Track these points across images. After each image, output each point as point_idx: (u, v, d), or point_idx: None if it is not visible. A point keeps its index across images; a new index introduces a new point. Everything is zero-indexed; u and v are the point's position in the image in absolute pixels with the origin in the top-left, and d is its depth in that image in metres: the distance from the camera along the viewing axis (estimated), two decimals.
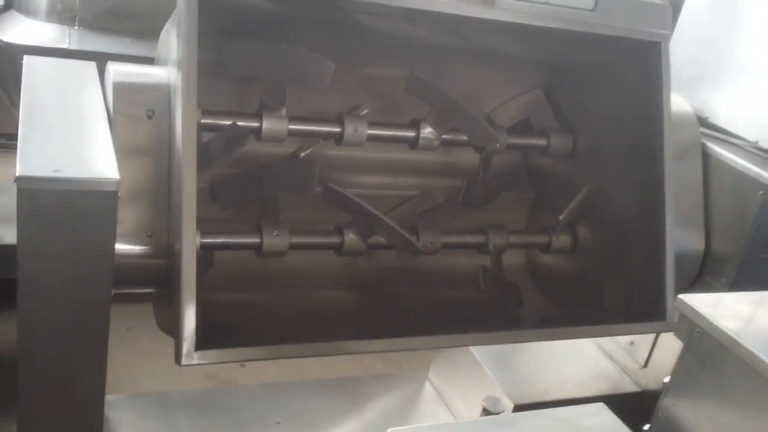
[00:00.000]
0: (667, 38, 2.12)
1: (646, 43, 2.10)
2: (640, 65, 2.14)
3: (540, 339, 2.20)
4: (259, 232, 1.95)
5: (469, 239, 2.29)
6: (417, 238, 2.14)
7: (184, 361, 1.61)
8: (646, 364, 3.08)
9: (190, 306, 1.60)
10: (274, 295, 2.17)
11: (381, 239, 2.10)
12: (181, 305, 1.60)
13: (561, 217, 2.31)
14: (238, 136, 1.88)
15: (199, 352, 1.62)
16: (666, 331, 2.19)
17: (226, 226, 2.00)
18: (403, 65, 2.12)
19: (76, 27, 2.74)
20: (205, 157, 1.73)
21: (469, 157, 2.31)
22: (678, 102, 2.62)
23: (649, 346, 3.02)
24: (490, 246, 2.28)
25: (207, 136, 1.88)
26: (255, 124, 1.91)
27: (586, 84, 2.33)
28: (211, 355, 1.64)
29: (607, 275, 2.33)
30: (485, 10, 1.92)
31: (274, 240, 1.95)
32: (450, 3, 1.85)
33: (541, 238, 2.36)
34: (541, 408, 1.73)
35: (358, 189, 2.22)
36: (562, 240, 2.37)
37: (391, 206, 2.21)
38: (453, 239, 2.25)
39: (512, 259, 2.44)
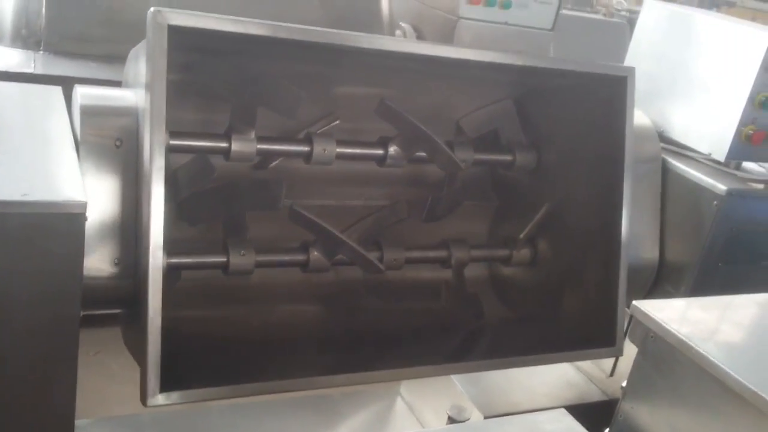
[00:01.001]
0: (632, 72, 2.18)
1: (612, 77, 2.17)
2: (606, 91, 2.21)
3: (494, 368, 2.28)
4: (225, 251, 1.98)
5: (432, 254, 2.34)
6: (381, 255, 2.19)
7: (149, 402, 1.65)
8: (612, 373, 3.14)
9: (155, 347, 1.63)
10: (240, 308, 2.19)
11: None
12: (146, 349, 1.63)
13: (521, 236, 2.38)
14: (206, 169, 1.92)
15: (164, 394, 1.65)
16: (616, 356, 2.31)
17: (193, 245, 2.02)
18: (375, 83, 2.17)
19: (41, 51, 2.75)
20: (173, 187, 1.74)
21: (436, 168, 2.35)
22: (639, 117, 2.70)
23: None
24: (453, 261, 2.33)
25: (174, 157, 1.91)
26: (224, 145, 1.93)
27: (554, 100, 2.39)
28: (177, 396, 1.68)
29: (563, 288, 2.40)
30: (447, 49, 2.00)
31: (241, 260, 1.98)
32: (415, 44, 1.91)
33: (502, 252, 2.42)
34: None
35: (325, 200, 2.26)
36: (522, 254, 2.43)
37: (358, 217, 2.24)
38: (416, 254, 2.30)
39: (474, 269, 2.48)
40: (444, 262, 2.35)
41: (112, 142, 1.78)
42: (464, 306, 2.39)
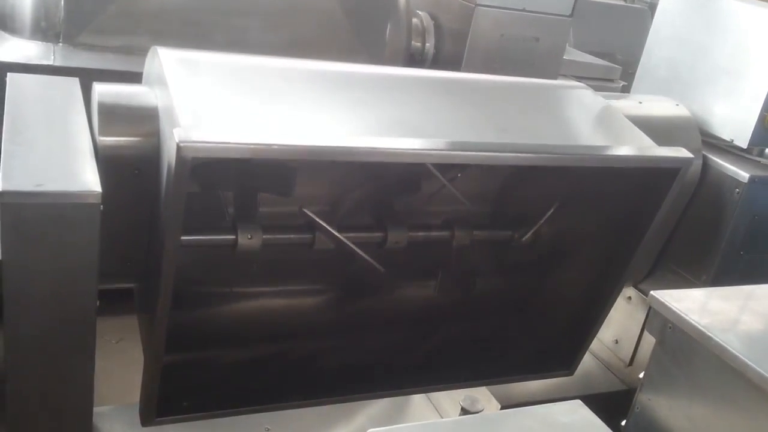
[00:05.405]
0: (687, 163, 1.94)
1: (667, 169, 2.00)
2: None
3: (449, 388, 2.42)
4: (234, 231, 2.00)
5: (435, 234, 2.34)
6: (385, 235, 2.21)
7: (144, 422, 1.80)
8: (631, 362, 3.12)
9: (155, 374, 1.71)
10: (246, 282, 2.27)
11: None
12: (148, 372, 1.70)
13: (524, 239, 2.39)
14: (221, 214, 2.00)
15: (164, 418, 1.85)
16: (568, 375, 2.40)
17: (203, 219, 2.04)
18: None
19: (61, 44, 2.76)
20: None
21: None
22: (680, 110, 2.72)
23: (634, 344, 3.06)
24: (454, 243, 2.34)
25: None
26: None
27: None
28: (174, 419, 1.89)
29: (547, 282, 2.45)
30: (497, 157, 1.89)
31: (248, 242, 2.01)
32: (468, 154, 1.81)
33: (504, 234, 2.43)
34: None
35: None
36: (525, 238, 2.43)
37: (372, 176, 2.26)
38: (420, 234, 2.31)
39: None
40: (446, 243, 2.36)
41: (128, 142, 1.76)
42: (455, 286, 2.47)
